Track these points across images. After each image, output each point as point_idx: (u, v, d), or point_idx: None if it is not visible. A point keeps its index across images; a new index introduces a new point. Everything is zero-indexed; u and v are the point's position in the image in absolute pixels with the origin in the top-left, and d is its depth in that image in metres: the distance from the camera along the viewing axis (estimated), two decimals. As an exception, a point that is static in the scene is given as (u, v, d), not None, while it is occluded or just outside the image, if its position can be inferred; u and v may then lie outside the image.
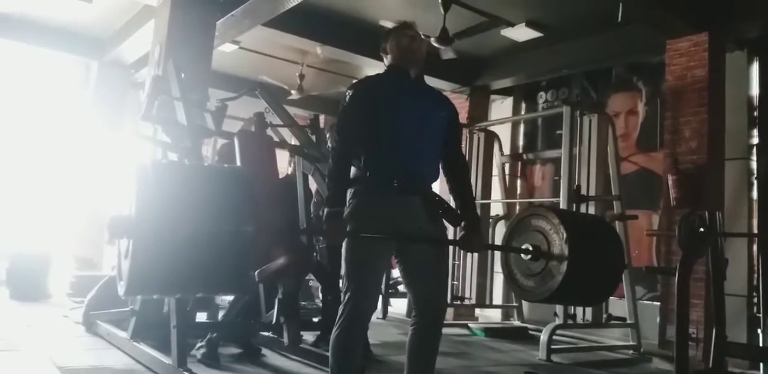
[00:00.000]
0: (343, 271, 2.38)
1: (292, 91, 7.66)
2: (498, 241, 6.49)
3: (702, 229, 3.63)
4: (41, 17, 6.91)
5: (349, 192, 2.39)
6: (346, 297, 2.34)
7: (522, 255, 2.60)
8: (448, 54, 5.72)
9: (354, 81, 2.56)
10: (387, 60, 2.58)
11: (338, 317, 2.34)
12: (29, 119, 7.77)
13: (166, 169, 2.07)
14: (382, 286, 5.94)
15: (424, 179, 2.46)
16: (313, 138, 4.31)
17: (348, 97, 2.43)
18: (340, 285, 2.50)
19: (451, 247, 6.36)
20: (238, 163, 3.68)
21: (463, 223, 2.52)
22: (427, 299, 2.43)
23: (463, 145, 6.48)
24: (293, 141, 4.69)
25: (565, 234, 2.47)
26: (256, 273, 3.37)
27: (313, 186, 4.39)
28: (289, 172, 4.63)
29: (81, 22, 7.05)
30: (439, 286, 2.47)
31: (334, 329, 2.34)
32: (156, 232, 1.89)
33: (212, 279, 2.25)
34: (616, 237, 2.77)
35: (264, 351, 4.00)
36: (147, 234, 1.89)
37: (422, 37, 2.59)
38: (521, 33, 6.05)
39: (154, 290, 2.34)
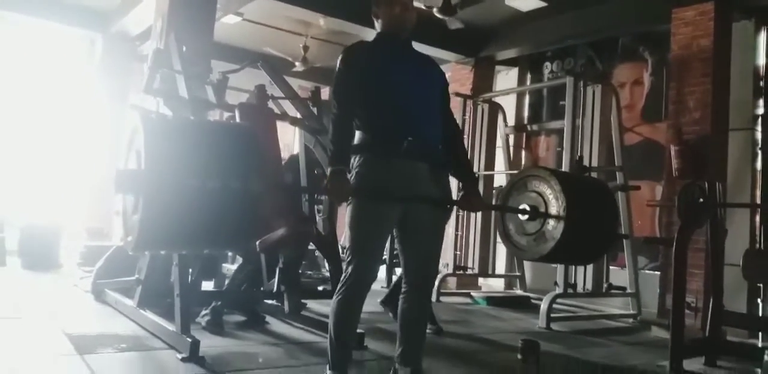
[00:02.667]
0: (346, 237, 2.43)
1: (296, 63, 7.63)
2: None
3: (702, 200, 3.65)
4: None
5: (355, 159, 2.40)
6: (349, 264, 2.38)
7: (519, 215, 2.65)
8: (455, 24, 5.66)
9: (345, 47, 2.57)
10: (378, 25, 2.60)
11: (340, 283, 2.40)
12: (37, 93, 7.83)
13: (173, 124, 2.05)
14: (387, 255, 6.03)
15: (430, 141, 2.46)
16: (315, 110, 4.32)
17: (340, 62, 2.45)
18: (341, 254, 2.55)
19: (453, 218, 6.46)
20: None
21: (461, 184, 2.59)
22: (417, 267, 2.48)
23: (467, 116, 6.60)
24: (295, 113, 4.71)
25: (564, 203, 2.50)
26: (257, 243, 3.44)
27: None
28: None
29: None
30: (430, 255, 2.52)
31: (335, 295, 2.40)
32: (166, 187, 1.88)
33: (219, 235, 2.25)
34: (612, 202, 2.79)
35: (268, 318, 4.09)
36: (157, 189, 1.87)
37: (413, 4, 2.61)
38: (526, 2, 5.96)
39: (163, 245, 2.35)
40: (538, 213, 2.57)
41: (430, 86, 2.54)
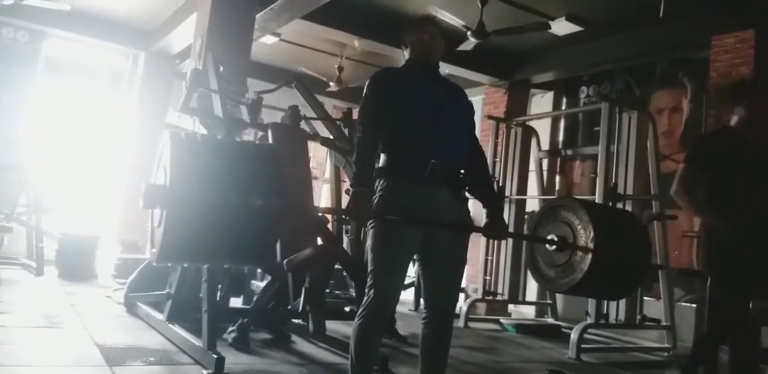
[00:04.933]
0: (368, 260, 2.42)
1: (331, 83, 7.74)
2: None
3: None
4: (93, 9, 7.18)
5: (378, 182, 2.41)
6: (370, 288, 2.38)
7: (547, 245, 2.60)
8: (469, 46, 5.68)
9: (373, 73, 2.60)
10: (406, 53, 2.63)
11: (361, 307, 2.39)
12: (80, 106, 8.10)
13: (200, 143, 2.12)
14: (414, 278, 5.99)
15: (453, 165, 2.46)
16: (346, 131, 4.36)
17: (367, 87, 2.48)
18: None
19: (483, 242, 6.40)
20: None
21: (486, 211, 2.54)
22: (438, 293, 2.46)
23: (500, 140, 6.57)
24: (327, 134, 4.77)
25: (592, 233, 2.46)
26: (284, 262, 3.46)
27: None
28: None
29: (129, 13, 7.29)
30: (451, 281, 2.50)
31: (357, 318, 2.39)
32: (188, 203, 1.95)
33: (239, 251, 2.30)
34: (643, 235, 2.74)
35: (294, 337, 4.10)
36: (180, 204, 1.94)
37: (440, 32, 2.63)
38: (561, 27, 5.95)
39: (184, 258, 2.41)
40: (565, 244, 2.52)
41: (456, 111, 2.54)
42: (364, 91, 2.48)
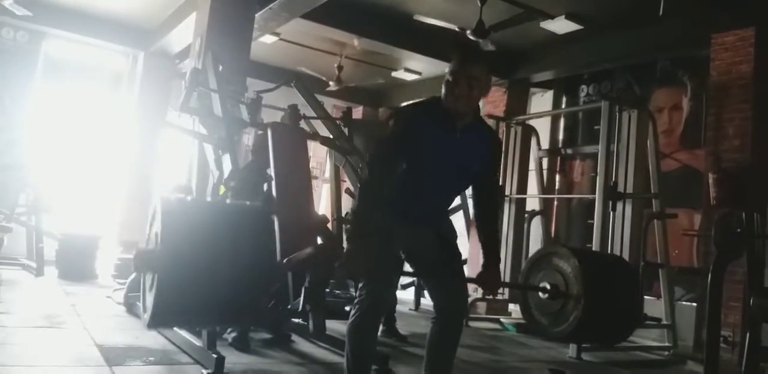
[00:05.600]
0: None
1: (330, 82, 7.73)
2: (533, 237, 6.48)
3: (739, 230, 3.54)
4: (93, 9, 7.18)
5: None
6: (362, 288, 2.40)
7: (539, 293, 2.58)
8: (487, 46, 5.68)
9: (400, 106, 2.54)
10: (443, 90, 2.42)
11: (354, 304, 2.41)
12: (80, 107, 8.10)
13: (190, 207, 2.12)
14: (414, 278, 5.98)
15: (439, 216, 2.53)
16: (346, 130, 4.36)
17: (392, 123, 2.40)
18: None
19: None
20: (270, 155, 3.76)
21: (482, 262, 2.52)
22: (443, 295, 2.47)
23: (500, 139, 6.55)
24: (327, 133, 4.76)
25: (583, 283, 2.45)
26: (284, 261, 3.45)
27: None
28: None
29: (129, 13, 7.29)
30: (455, 282, 2.50)
31: (350, 316, 2.40)
32: (179, 268, 1.95)
33: (231, 312, 2.30)
34: (635, 281, 2.71)
35: (294, 337, 4.10)
36: (171, 270, 1.95)
37: (479, 76, 2.36)
38: (561, 25, 5.95)
39: (176, 322, 2.40)
40: (557, 293, 2.50)
41: (469, 169, 2.47)
42: (390, 124, 2.41)
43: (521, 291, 2.69)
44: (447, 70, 2.38)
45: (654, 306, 5.29)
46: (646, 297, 5.27)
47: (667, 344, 5.16)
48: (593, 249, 5.20)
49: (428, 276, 2.53)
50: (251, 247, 2.05)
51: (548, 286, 2.53)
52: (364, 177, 2.44)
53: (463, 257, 6.71)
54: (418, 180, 2.39)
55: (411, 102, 2.58)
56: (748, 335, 3.53)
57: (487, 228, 2.56)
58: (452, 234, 2.56)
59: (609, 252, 5.09)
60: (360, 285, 2.43)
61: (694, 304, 5.34)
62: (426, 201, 2.44)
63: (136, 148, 7.71)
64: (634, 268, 2.81)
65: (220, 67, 4.18)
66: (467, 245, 7.10)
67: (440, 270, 2.48)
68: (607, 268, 2.69)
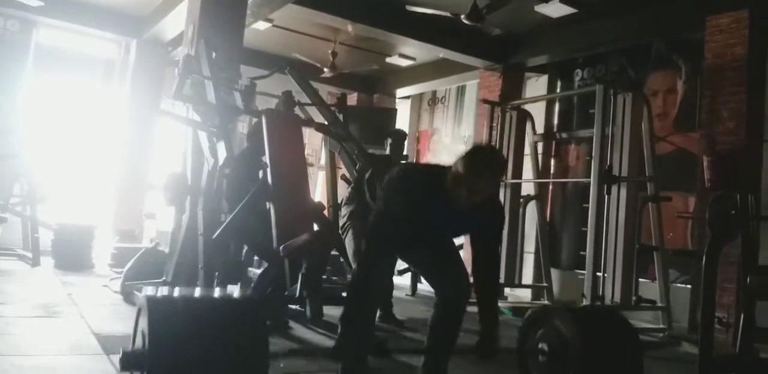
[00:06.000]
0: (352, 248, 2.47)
1: (325, 69, 7.68)
2: (528, 222, 6.49)
3: (733, 212, 3.56)
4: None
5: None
6: (363, 246, 2.50)
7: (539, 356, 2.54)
8: (494, 31, 5.63)
9: (411, 170, 2.58)
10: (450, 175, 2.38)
11: (355, 265, 2.51)
12: (73, 96, 8.05)
13: (177, 305, 2.07)
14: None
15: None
16: (340, 117, 4.34)
17: (393, 188, 2.43)
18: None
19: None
20: (265, 142, 3.74)
21: (480, 330, 2.53)
22: (442, 282, 2.50)
23: (495, 124, 6.55)
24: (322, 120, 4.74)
25: (582, 345, 2.41)
26: (280, 248, 3.46)
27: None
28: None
29: (120, 1, 7.22)
30: (453, 270, 2.56)
31: (351, 275, 2.46)
32: (169, 370, 1.92)
33: None
34: (635, 339, 2.67)
35: (291, 323, 4.11)
36: (159, 369, 1.91)
37: (497, 184, 2.53)
38: (555, 9, 5.91)
39: None
40: (557, 357, 2.46)
41: (466, 228, 2.53)
42: (389, 184, 2.43)
43: (519, 353, 2.65)
44: (461, 168, 2.27)
45: (649, 288, 5.33)
46: (641, 280, 5.33)
47: (661, 326, 5.21)
48: (588, 233, 5.22)
49: (425, 267, 2.55)
50: (243, 343, 2.01)
51: (546, 348, 2.49)
52: (363, 253, 2.48)
53: (460, 243, 6.72)
54: (411, 235, 2.43)
55: (414, 169, 2.64)
56: (742, 315, 3.57)
57: (485, 290, 2.56)
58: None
59: (605, 235, 5.12)
60: (354, 261, 2.47)
61: (689, 286, 5.39)
62: (424, 241, 2.49)
63: (129, 136, 7.68)
64: (632, 326, 2.80)
65: (213, 54, 4.14)
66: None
67: (438, 261, 2.51)
68: (605, 326, 2.66)
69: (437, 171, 2.43)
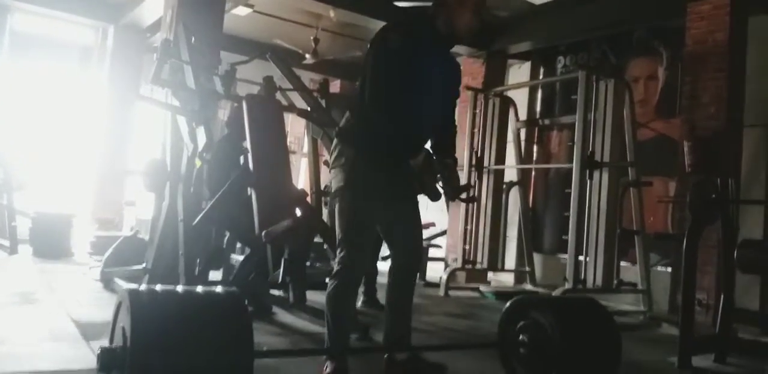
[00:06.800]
0: (337, 228, 2.50)
1: (307, 55, 7.61)
2: (511, 207, 6.52)
3: (714, 196, 3.60)
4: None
5: (345, 147, 2.47)
6: (339, 252, 2.47)
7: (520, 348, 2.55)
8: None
9: (387, 30, 2.41)
10: (434, 13, 2.48)
11: (331, 275, 2.48)
12: (49, 83, 7.89)
13: (160, 300, 1.97)
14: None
15: (420, 149, 2.52)
16: (323, 102, 4.30)
17: (378, 47, 2.37)
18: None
19: (462, 212, 6.45)
20: (246, 127, 3.70)
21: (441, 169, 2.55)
22: (398, 249, 2.64)
23: (478, 110, 6.54)
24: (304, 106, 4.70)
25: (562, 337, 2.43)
26: (263, 233, 3.44)
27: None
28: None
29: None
30: (411, 238, 2.66)
31: (329, 283, 2.47)
32: (151, 369, 1.84)
33: None
34: (613, 328, 2.69)
35: (274, 309, 4.10)
36: (142, 371, 1.82)
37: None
38: (538, -5, 5.90)
39: None
40: (538, 349, 2.46)
41: (447, 96, 2.58)
42: (373, 47, 2.39)
43: (501, 345, 2.66)
44: (458, 6, 2.43)
45: (629, 271, 5.40)
46: (622, 263, 5.39)
47: (642, 308, 5.28)
48: (570, 217, 5.26)
49: (389, 232, 2.64)
50: (229, 340, 1.94)
51: (526, 340, 2.50)
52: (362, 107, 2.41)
53: (443, 229, 6.74)
54: (408, 103, 2.40)
55: (396, 24, 2.53)
56: (722, 296, 3.63)
57: (444, 140, 2.65)
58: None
59: (586, 219, 5.16)
60: (337, 254, 2.46)
61: (669, 270, 5.45)
62: (411, 136, 2.46)
63: (108, 123, 7.55)
64: (609, 313, 2.82)
65: (193, 39, 4.07)
66: (446, 218, 7.15)
67: (400, 226, 2.60)
68: (584, 315, 2.69)
69: (415, 22, 2.57)
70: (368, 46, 2.42)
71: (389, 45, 2.34)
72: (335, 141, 2.54)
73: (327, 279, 2.54)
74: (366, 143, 2.43)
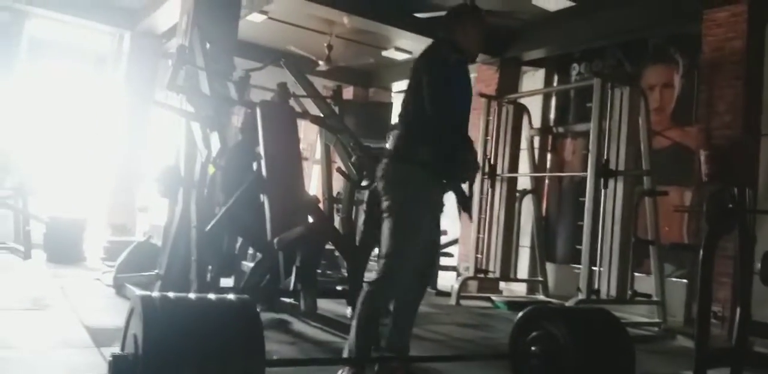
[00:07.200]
0: (388, 239, 2.56)
1: (320, 62, 7.63)
2: (524, 216, 6.48)
3: (730, 205, 3.54)
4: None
5: (397, 163, 2.61)
6: (389, 260, 2.56)
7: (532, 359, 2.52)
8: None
9: (428, 58, 2.68)
10: (451, 36, 2.74)
11: (377, 278, 2.57)
12: (66, 88, 7.97)
13: (173, 307, 1.96)
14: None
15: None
16: (336, 109, 4.30)
17: (426, 69, 2.59)
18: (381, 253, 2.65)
19: (476, 221, 6.41)
20: (260, 134, 3.71)
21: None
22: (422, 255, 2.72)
23: (491, 117, 6.52)
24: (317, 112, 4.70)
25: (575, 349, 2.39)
26: (275, 240, 3.43)
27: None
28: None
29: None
30: (431, 244, 2.78)
31: (369, 290, 2.56)
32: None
33: None
34: (626, 340, 2.65)
35: (285, 316, 4.08)
36: None
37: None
38: (553, 2, 5.87)
39: None
40: (550, 359, 2.44)
41: (470, 100, 2.74)
42: (420, 68, 2.62)
43: (512, 356, 2.63)
44: (470, 26, 2.73)
45: (644, 282, 5.32)
46: (637, 274, 5.32)
47: (657, 320, 5.20)
48: (584, 227, 5.21)
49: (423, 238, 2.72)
50: (240, 348, 1.92)
51: (538, 351, 2.48)
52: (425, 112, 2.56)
53: (455, 237, 6.70)
54: (450, 120, 2.58)
55: (430, 49, 2.75)
56: (738, 309, 3.56)
57: None
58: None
59: (600, 229, 5.10)
60: (384, 262, 2.55)
61: (684, 281, 5.38)
62: (456, 138, 2.61)
63: (123, 129, 7.61)
64: (622, 324, 2.79)
65: (208, 45, 4.09)
66: (458, 225, 7.11)
67: (427, 233, 2.68)
68: (598, 327, 2.65)
69: (444, 46, 2.75)
70: (418, 64, 2.66)
71: (446, 63, 2.60)
72: (385, 160, 2.66)
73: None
74: (426, 156, 2.56)
